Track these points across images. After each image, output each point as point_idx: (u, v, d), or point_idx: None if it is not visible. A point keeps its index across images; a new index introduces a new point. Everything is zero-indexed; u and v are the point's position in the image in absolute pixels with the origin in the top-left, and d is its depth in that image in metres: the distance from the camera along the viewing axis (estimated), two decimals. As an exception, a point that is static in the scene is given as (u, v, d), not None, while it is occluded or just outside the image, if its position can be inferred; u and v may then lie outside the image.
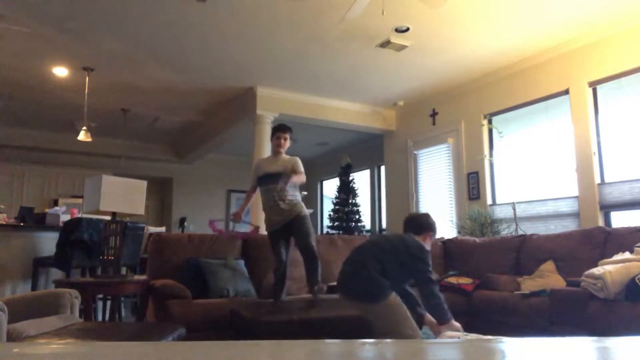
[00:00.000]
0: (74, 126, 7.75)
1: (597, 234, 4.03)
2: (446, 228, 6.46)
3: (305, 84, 6.51)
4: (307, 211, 3.68)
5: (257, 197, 4.00)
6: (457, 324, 2.80)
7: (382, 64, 5.82)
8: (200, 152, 9.19)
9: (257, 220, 6.29)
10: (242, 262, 4.06)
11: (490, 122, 6.10)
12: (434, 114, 6.96)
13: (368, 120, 7.50)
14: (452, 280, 4.33)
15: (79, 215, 5.28)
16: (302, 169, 3.73)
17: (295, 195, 3.68)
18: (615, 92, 4.96)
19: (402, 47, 5.27)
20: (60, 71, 5.99)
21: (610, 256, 3.60)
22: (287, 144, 3.79)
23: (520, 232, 5.20)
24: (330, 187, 10.14)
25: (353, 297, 2.79)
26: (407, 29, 4.92)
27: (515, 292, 3.88)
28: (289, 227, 3.62)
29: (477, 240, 4.96)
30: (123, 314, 4.81)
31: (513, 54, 5.52)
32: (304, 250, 3.57)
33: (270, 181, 3.67)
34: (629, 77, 4.78)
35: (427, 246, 3.03)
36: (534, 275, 4.07)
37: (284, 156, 3.78)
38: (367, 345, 0.72)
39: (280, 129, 3.82)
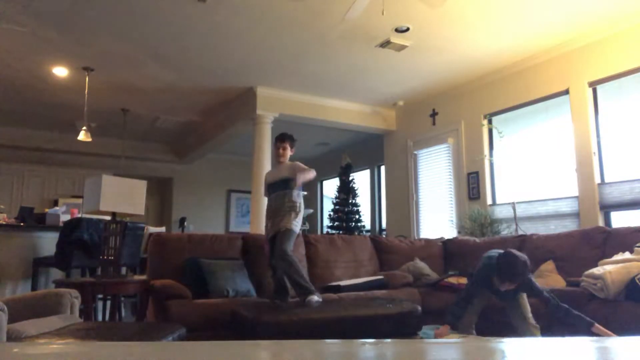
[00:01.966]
0: (74, 126, 7.75)
1: (597, 234, 4.03)
2: (446, 228, 6.47)
3: (305, 84, 6.51)
4: (293, 227, 3.61)
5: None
6: (444, 331, 3.25)
7: (382, 64, 5.82)
8: (200, 152, 9.19)
9: (260, 223, 6.30)
10: (241, 262, 4.05)
11: (490, 122, 6.09)
12: (434, 114, 6.96)
13: (368, 120, 7.50)
14: (452, 280, 4.33)
15: (79, 215, 5.28)
16: (303, 166, 3.74)
17: (291, 205, 3.65)
18: (615, 92, 4.96)
19: (402, 47, 5.27)
20: (60, 71, 5.99)
21: (610, 256, 3.61)
22: (288, 152, 3.82)
23: (520, 232, 5.19)
24: (330, 187, 10.13)
25: None
26: (407, 29, 4.92)
27: (515, 292, 3.87)
28: (275, 238, 3.64)
29: (477, 240, 4.96)
30: (123, 314, 4.81)
31: (513, 54, 5.52)
32: (277, 256, 3.56)
33: (273, 191, 3.78)
34: (629, 77, 4.78)
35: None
36: (534, 275, 4.07)
37: (286, 164, 3.82)
38: (367, 345, 0.72)
39: (278, 139, 3.87)
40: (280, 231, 3.57)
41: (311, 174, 3.69)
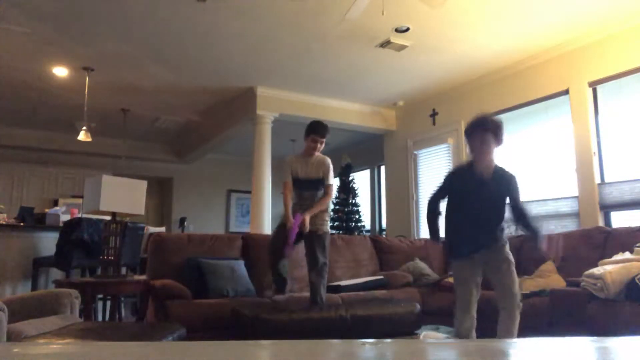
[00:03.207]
0: (74, 126, 7.75)
1: (597, 234, 4.03)
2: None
3: (305, 84, 6.51)
4: (327, 229, 3.60)
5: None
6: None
7: (382, 64, 5.82)
8: (200, 152, 9.18)
9: (260, 223, 6.30)
10: (241, 262, 4.05)
11: (490, 122, 6.09)
12: (434, 114, 6.96)
13: (368, 120, 7.49)
14: (452, 280, 4.32)
15: (79, 215, 5.28)
16: (332, 179, 3.65)
17: (323, 212, 3.62)
18: (615, 92, 4.95)
19: (402, 47, 5.27)
20: (60, 71, 5.99)
21: (610, 256, 3.60)
22: (322, 147, 3.70)
23: (520, 232, 5.19)
24: (330, 187, 10.13)
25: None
26: (407, 29, 4.92)
27: (515, 292, 3.87)
28: (304, 237, 3.55)
29: (477, 240, 4.95)
30: (123, 314, 4.81)
31: (513, 54, 5.52)
32: (312, 266, 3.50)
33: (303, 187, 3.63)
34: (629, 77, 4.78)
35: None
36: (534, 275, 4.07)
37: (319, 158, 3.67)
38: (367, 345, 0.72)
39: (319, 132, 3.64)
40: (317, 234, 3.50)
41: (328, 201, 3.66)
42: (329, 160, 3.68)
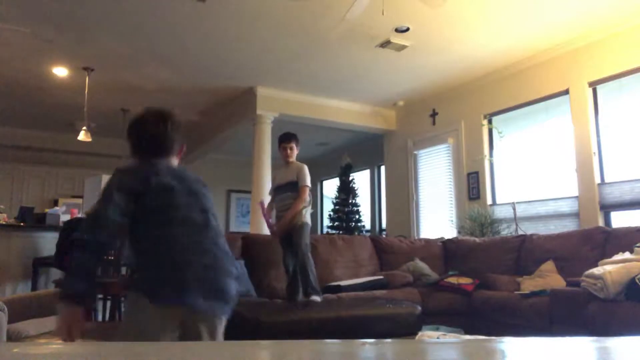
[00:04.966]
0: (74, 126, 7.75)
1: (597, 234, 4.03)
2: (446, 228, 6.47)
3: (305, 84, 6.51)
4: (307, 220, 3.68)
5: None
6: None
7: (382, 64, 5.82)
8: (200, 152, 9.18)
9: (260, 223, 6.29)
10: (242, 262, 4.05)
11: (490, 122, 6.09)
12: (434, 114, 6.96)
13: (368, 120, 7.50)
14: (452, 280, 4.33)
15: (79, 215, 5.28)
16: (305, 181, 3.69)
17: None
18: (615, 92, 4.96)
19: (402, 47, 5.27)
20: (60, 71, 5.99)
21: (610, 256, 3.61)
22: (295, 152, 3.83)
23: (520, 232, 5.19)
24: (330, 187, 10.13)
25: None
26: (407, 29, 4.92)
27: (515, 292, 3.88)
28: (290, 236, 3.67)
29: (477, 240, 4.96)
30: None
31: (513, 54, 5.52)
32: (294, 259, 3.64)
33: (278, 193, 3.80)
34: (629, 77, 4.78)
35: None
36: (534, 275, 4.08)
37: (293, 164, 3.81)
38: (367, 345, 0.72)
39: (283, 139, 3.85)
40: (296, 227, 3.60)
41: (300, 204, 3.64)
42: (304, 166, 3.79)
